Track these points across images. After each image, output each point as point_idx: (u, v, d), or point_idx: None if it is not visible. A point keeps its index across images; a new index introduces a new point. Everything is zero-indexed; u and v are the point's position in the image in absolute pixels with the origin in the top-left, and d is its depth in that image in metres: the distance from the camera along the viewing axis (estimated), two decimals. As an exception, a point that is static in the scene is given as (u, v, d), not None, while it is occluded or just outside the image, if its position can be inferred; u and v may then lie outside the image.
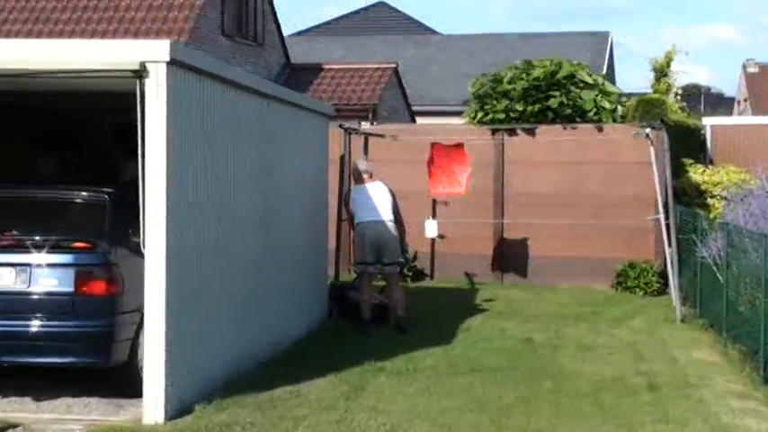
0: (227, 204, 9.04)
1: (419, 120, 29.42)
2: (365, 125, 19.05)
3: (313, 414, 8.12)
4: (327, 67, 27.59)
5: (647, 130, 14.60)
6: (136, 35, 22.35)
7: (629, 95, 21.40)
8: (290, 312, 11.25)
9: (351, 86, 26.39)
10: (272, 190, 10.52)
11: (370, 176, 12.82)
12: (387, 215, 12.53)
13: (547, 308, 14.75)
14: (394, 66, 27.68)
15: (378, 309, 12.75)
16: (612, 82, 40.80)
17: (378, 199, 12.57)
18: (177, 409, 7.90)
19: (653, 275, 16.30)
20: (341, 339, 11.65)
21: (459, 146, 15.53)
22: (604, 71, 37.49)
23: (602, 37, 39.59)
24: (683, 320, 13.59)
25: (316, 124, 12.42)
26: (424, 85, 36.69)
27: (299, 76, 27.10)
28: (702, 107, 57.94)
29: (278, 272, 10.69)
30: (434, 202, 17.29)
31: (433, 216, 17.41)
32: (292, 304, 11.36)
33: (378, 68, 27.25)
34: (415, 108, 33.30)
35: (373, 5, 49.21)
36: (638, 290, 16.30)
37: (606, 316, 14.11)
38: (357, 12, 49.11)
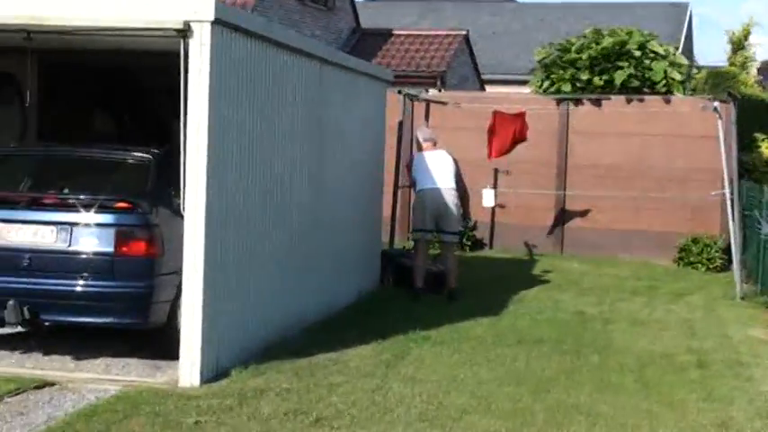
0: (272, 167, 8.95)
1: (489, 88, 29.14)
2: (432, 92, 18.90)
3: (350, 381, 8.03)
4: (397, 32, 27.35)
5: (715, 103, 14.20)
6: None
7: (705, 69, 20.93)
8: (339, 277, 11.18)
9: (420, 53, 26.13)
10: (324, 155, 10.44)
11: (434, 144, 12.65)
12: (448, 183, 12.39)
13: (604, 281, 14.52)
14: (465, 33, 27.34)
15: (433, 277, 12.64)
16: (690, 55, 40.13)
17: (440, 167, 12.43)
18: (213, 372, 7.87)
19: (716, 251, 15.97)
20: (390, 307, 11.56)
21: (521, 115, 15.29)
22: (682, 43, 36.80)
23: (682, 8, 38.78)
24: (743, 298, 13.29)
25: (373, 89, 12.28)
26: (496, 53, 36.31)
27: (368, 41, 26.91)
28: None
29: (328, 236, 10.62)
30: (496, 171, 17.12)
31: (495, 186, 17.26)
32: (343, 269, 11.28)
33: (448, 35, 26.96)
34: (486, 77, 32.94)
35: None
36: (700, 266, 15.99)
37: (664, 291, 13.85)
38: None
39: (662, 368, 9.08)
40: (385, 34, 27.37)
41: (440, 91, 21.21)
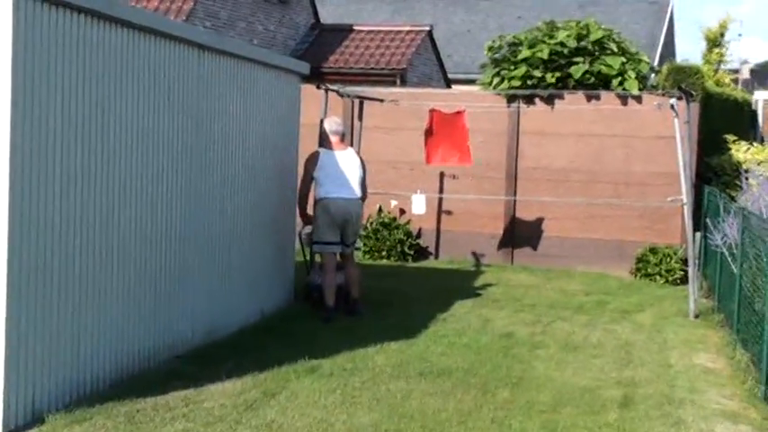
0: (113, 170, 7.51)
1: (460, 88, 27.78)
2: (381, 90, 17.50)
3: (190, 430, 6.64)
4: (357, 28, 25.98)
5: (672, 100, 12.77)
6: (146, -11, 20.99)
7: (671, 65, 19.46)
8: (231, 296, 9.78)
9: (380, 50, 24.76)
10: (205, 157, 9.04)
11: (341, 140, 11.20)
12: (356, 192, 11.04)
13: (549, 295, 13.13)
14: (428, 29, 25.96)
15: (339, 291, 11.27)
16: (672, 54, 38.79)
17: (348, 171, 11.05)
18: (23, 418, 6.47)
19: (676, 262, 14.58)
20: (291, 329, 10.18)
21: (460, 114, 13.90)
22: (662, 41, 35.55)
23: (662, 5, 37.50)
24: (696, 316, 11.92)
25: (280, 83, 10.89)
26: (470, 51, 35.05)
27: (326, 37, 25.56)
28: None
29: (210, 251, 9.22)
30: (442, 175, 15.76)
31: (440, 191, 15.90)
32: (236, 286, 9.88)
33: (410, 31, 25.57)
34: (458, 76, 31.73)
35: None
36: (658, 277, 14.61)
37: (612, 307, 12.46)
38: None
39: (579, 407, 7.70)
40: (345, 30, 26.01)
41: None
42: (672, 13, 37.61)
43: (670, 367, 9.29)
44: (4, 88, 6.27)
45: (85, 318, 7.17)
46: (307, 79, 11.88)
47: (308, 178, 11.09)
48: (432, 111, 13.99)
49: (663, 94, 13.23)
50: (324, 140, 11.27)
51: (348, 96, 13.97)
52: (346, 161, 11.08)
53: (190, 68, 8.71)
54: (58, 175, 6.80)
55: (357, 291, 11.27)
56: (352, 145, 12.85)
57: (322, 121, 12.00)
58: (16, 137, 6.33)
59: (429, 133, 13.96)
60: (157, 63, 8.11)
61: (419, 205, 14.20)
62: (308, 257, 12.13)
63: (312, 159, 11.11)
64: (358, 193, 11.05)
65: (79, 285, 7.09)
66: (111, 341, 7.53)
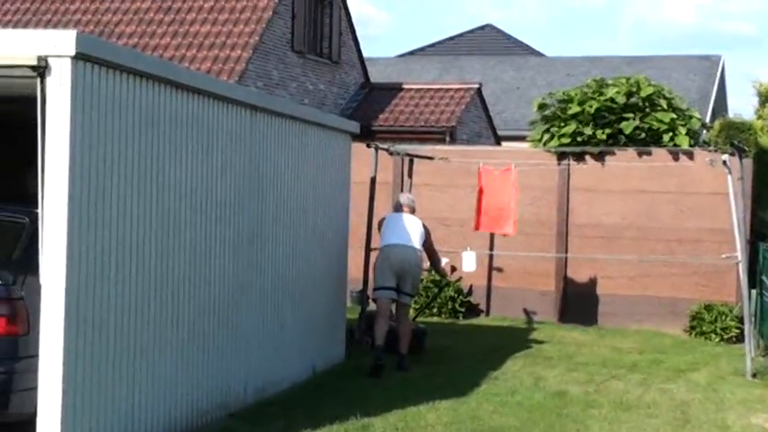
0: (168, 230, 7.59)
1: (508, 144, 27.82)
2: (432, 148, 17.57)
3: (242, 488, 6.65)
4: (407, 87, 26.13)
5: (724, 156, 12.69)
6: (199, 49, 21.30)
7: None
8: (283, 353, 9.80)
9: (429, 107, 24.88)
10: (257, 214, 9.12)
11: (412, 211, 11.86)
12: (414, 242, 11.50)
13: (602, 354, 13.01)
14: (477, 86, 26.05)
15: (395, 336, 11.53)
16: (724, 110, 38.60)
17: (408, 227, 11.57)
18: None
19: (732, 320, 14.42)
20: (343, 386, 10.16)
21: (508, 171, 13.93)
22: (713, 98, 35.37)
23: (713, 61, 37.37)
24: (754, 375, 11.74)
25: (331, 141, 10.99)
26: (520, 108, 35.07)
27: (376, 96, 25.73)
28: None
29: (262, 306, 9.26)
30: (492, 232, 15.71)
31: (491, 248, 15.87)
32: (287, 344, 9.90)
33: (459, 89, 25.68)
34: (509, 133, 31.70)
35: (480, 28, 47.55)
36: (713, 335, 14.45)
37: (667, 365, 12.31)
38: (462, 35, 47.52)
39: (634, 468, 7.60)
40: (395, 88, 26.17)
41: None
42: (723, 69, 37.45)
43: (728, 428, 9.15)
44: (64, 147, 6.37)
45: (140, 374, 7.22)
46: (357, 138, 12.00)
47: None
48: (481, 169, 14.04)
49: (715, 150, 13.17)
50: (395, 209, 12.03)
51: (398, 154, 14.06)
52: (409, 221, 11.64)
53: (243, 129, 8.81)
54: (115, 230, 6.87)
55: (405, 346, 11.40)
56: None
57: (373, 179, 12.20)
58: (74, 195, 6.41)
59: (480, 195, 14.01)
60: (211, 124, 8.21)
61: (469, 262, 14.18)
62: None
63: (381, 221, 11.83)
64: (415, 244, 11.45)
65: (134, 342, 7.14)
66: (164, 393, 7.57)
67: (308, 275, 10.43)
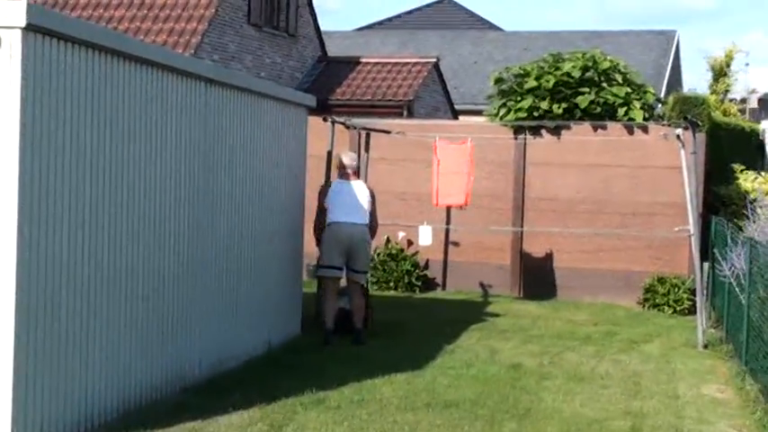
0: (122, 204, 7.54)
1: (467, 119, 27.85)
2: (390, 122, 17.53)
3: (197, 461, 6.65)
4: (364, 60, 26.07)
5: (678, 130, 12.78)
6: (155, 22, 21.14)
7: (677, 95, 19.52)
8: (238, 327, 9.79)
9: (387, 82, 24.84)
10: (211, 187, 9.08)
11: (355, 173, 11.52)
12: (363, 218, 11.33)
13: (557, 326, 13.11)
14: (434, 60, 26.04)
15: (345, 314, 11.56)
16: (679, 84, 38.88)
17: (357, 199, 11.35)
18: (29, 450, 6.48)
19: (684, 292, 14.57)
20: (299, 360, 10.17)
21: (465, 145, 13.95)
22: (668, 73, 35.62)
23: (668, 36, 37.61)
24: (705, 346, 11.90)
25: (288, 116, 10.95)
26: (476, 83, 35.12)
27: (333, 69, 25.65)
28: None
29: (216, 281, 9.24)
30: (449, 206, 15.72)
31: (447, 222, 15.93)
32: (242, 319, 9.89)
33: (416, 63, 25.66)
34: (466, 107, 31.78)
35: (439, 2, 47.52)
36: (666, 308, 14.60)
37: (620, 337, 12.43)
38: (420, 8, 47.49)
39: (587, 439, 7.68)
40: (352, 62, 26.10)
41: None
42: (678, 44, 37.71)
43: (678, 398, 9.27)
44: (13, 124, 6.30)
45: (93, 351, 7.18)
46: (314, 112, 11.96)
47: (321, 208, 11.39)
48: (436, 142, 14.05)
49: (669, 125, 13.26)
50: (339, 172, 11.49)
51: (355, 128, 14.03)
52: (356, 191, 11.34)
53: (197, 102, 8.76)
54: (67, 210, 6.82)
55: (359, 320, 11.43)
56: (359, 176, 12.90)
57: (329, 153, 12.14)
58: (25, 174, 6.36)
59: (437, 168, 14.03)
60: (164, 97, 8.15)
61: (426, 237, 14.24)
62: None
63: (324, 190, 11.46)
64: (364, 219, 11.28)
65: (87, 319, 7.10)
66: (119, 374, 7.54)
67: (263, 250, 10.39)
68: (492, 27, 43.93)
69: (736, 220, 15.53)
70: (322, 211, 11.43)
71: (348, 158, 11.59)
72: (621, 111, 15.73)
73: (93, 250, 7.17)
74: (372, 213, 11.48)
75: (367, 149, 14.17)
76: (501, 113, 16.32)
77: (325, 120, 12.63)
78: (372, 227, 11.49)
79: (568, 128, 15.53)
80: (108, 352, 7.39)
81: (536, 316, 13.94)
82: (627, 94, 15.86)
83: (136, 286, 7.78)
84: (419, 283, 15.83)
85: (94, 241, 7.17)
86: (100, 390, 7.29)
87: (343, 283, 11.58)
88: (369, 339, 11.32)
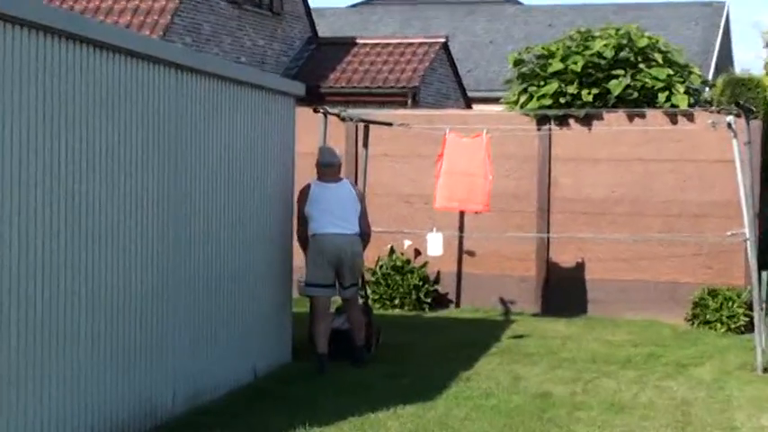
0: (80, 206, 7.55)
1: (481, 108, 27.96)
2: (390, 112, 17.60)
3: None
4: (361, 41, 26.23)
5: (729, 117, 12.80)
6: (116, 0, 21.23)
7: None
8: (218, 355, 9.82)
9: (388, 65, 24.98)
10: (183, 191, 9.11)
11: (337, 172, 11.56)
12: (353, 227, 11.36)
13: (591, 348, 13.14)
14: (443, 40, 26.16)
15: (338, 336, 11.65)
16: (729, 64, 39.00)
17: (343, 203, 11.37)
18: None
19: (739, 307, 14.59)
20: (289, 391, 10.21)
21: (480, 139, 14.00)
22: (716, 50, 35.74)
23: (717, 7, 37.77)
24: (765, 370, 11.90)
25: (272, 106, 11.00)
26: (493, 65, 35.25)
27: (326, 52, 25.81)
28: None
29: (189, 303, 9.26)
30: (462, 210, 15.75)
31: (461, 228, 15.97)
32: (223, 344, 9.92)
33: (422, 44, 25.79)
34: (480, 94, 31.91)
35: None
36: (719, 325, 14.62)
37: (665, 360, 12.46)
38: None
39: (627, 479, 7.70)
40: (347, 43, 26.23)
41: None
42: (728, 16, 37.83)
43: (735, 430, 9.29)
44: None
45: (43, 384, 7.19)
46: (303, 101, 11.99)
47: (302, 217, 11.41)
48: (446, 136, 14.11)
49: (718, 111, 13.29)
50: (319, 172, 11.54)
51: (351, 120, 14.05)
52: (341, 194, 11.38)
53: (166, 93, 8.78)
54: (16, 211, 6.83)
55: (361, 337, 11.54)
56: (356, 176, 12.99)
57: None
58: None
59: (441, 165, 14.05)
60: (128, 87, 8.18)
61: (435, 246, 14.26)
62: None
63: (302, 196, 11.44)
64: (355, 228, 11.33)
65: (41, 336, 7.12)
66: (74, 410, 7.55)
67: (247, 265, 10.44)
68: (510, 0, 44.08)
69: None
70: (303, 221, 11.42)
71: (327, 155, 11.56)
72: (662, 96, 15.76)
73: (47, 257, 7.18)
74: (362, 218, 11.49)
75: (365, 145, 14.18)
76: (521, 101, 16.38)
77: (315, 111, 12.66)
78: (364, 236, 11.53)
79: (600, 117, 15.60)
80: (63, 384, 7.39)
81: (566, 336, 13.98)
82: (668, 76, 15.90)
83: (98, 306, 7.79)
84: (429, 300, 15.87)
85: (48, 247, 7.18)
86: (50, 428, 7.29)
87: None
88: (371, 364, 11.35)
